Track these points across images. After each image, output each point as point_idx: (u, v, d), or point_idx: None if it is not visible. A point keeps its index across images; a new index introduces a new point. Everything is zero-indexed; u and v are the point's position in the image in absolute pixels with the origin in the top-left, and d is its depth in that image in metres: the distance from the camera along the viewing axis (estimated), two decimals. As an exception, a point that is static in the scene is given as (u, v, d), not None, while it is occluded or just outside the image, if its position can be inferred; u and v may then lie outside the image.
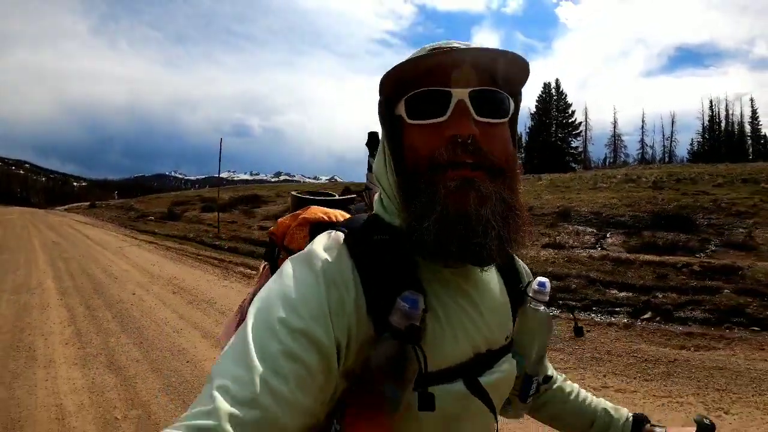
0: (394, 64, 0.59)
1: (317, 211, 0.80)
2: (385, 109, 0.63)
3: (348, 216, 0.80)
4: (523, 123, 50.19)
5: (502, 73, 0.60)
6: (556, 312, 5.71)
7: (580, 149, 51.23)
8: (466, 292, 0.62)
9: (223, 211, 21.61)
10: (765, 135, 52.67)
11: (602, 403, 0.87)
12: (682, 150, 57.01)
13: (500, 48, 0.57)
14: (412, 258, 0.58)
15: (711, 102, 54.63)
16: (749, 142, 52.97)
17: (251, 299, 0.77)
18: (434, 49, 0.61)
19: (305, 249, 0.58)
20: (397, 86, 0.60)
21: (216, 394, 0.43)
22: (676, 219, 10.95)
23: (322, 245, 0.57)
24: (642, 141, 58.58)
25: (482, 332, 0.62)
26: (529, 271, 0.79)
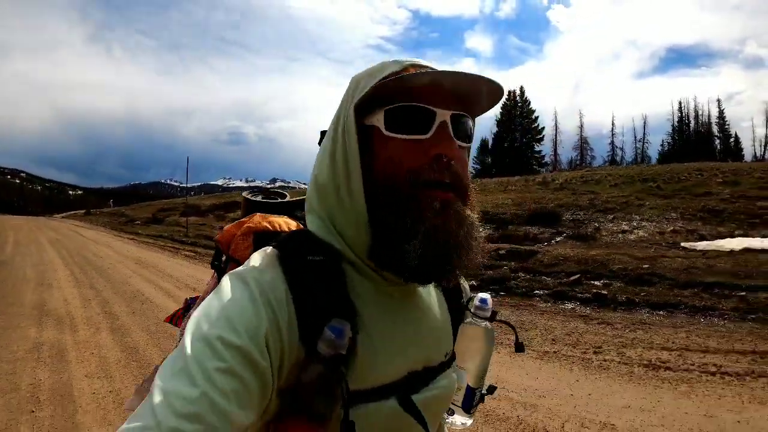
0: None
1: (261, 220, 0.81)
2: (355, 118, 0.60)
3: (292, 223, 0.83)
4: (488, 129, 53.74)
5: (476, 99, 0.61)
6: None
7: (543, 153, 54.89)
8: (404, 309, 0.62)
9: (200, 216, 25.75)
10: (735, 134, 54.83)
11: None
12: (655, 151, 58.72)
13: (479, 74, 0.57)
14: (345, 279, 0.57)
15: (680, 103, 56.93)
16: (717, 142, 54.73)
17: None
18: (411, 65, 0.60)
19: (243, 265, 0.58)
20: (372, 96, 0.58)
21: (158, 409, 0.43)
22: (547, 215, 13.64)
23: (257, 264, 0.57)
24: (612, 143, 60.62)
25: (419, 349, 0.62)
26: (467, 287, 0.79)
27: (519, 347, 0.78)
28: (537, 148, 53.79)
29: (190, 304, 1.03)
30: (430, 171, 0.56)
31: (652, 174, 18.47)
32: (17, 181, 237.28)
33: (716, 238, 10.26)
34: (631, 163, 48.58)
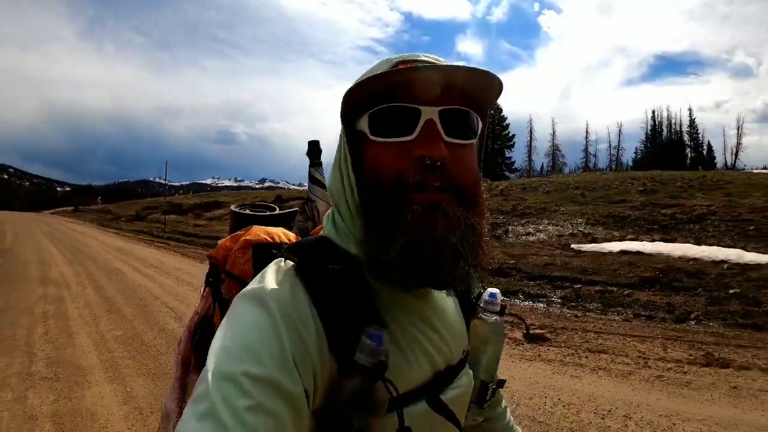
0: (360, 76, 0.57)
1: (259, 232, 0.77)
2: (346, 124, 0.59)
3: (290, 234, 0.79)
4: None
5: (473, 91, 0.57)
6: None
7: (513, 159, 57.30)
8: (423, 314, 0.61)
9: (180, 214, 28.31)
10: (708, 143, 56.70)
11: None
12: (629, 159, 60.70)
13: (472, 65, 0.53)
14: (368, 285, 0.55)
15: (653, 112, 59.16)
16: (687, 150, 56.78)
17: (197, 319, 0.84)
18: (401, 62, 0.58)
19: (255, 284, 0.54)
20: (359, 100, 0.56)
21: None
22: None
23: (273, 280, 0.54)
24: (585, 150, 63.84)
25: (441, 351, 0.61)
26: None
27: (530, 337, 1.26)
28: (508, 155, 56.58)
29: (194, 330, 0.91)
30: (414, 174, 0.52)
31: (585, 182, 19.87)
32: (5, 176, 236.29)
33: (606, 241, 11.29)
34: (604, 170, 50.23)
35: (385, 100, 0.55)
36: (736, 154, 53.47)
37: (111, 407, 3.39)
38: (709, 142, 58.26)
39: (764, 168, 39.75)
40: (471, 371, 0.69)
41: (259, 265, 0.65)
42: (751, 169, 36.41)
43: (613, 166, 58.48)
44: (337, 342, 0.51)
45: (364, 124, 0.57)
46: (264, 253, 0.72)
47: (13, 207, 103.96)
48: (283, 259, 0.58)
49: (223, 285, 0.79)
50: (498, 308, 0.71)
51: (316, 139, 1.08)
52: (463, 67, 0.54)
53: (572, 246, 11.20)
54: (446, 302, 0.66)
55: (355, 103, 0.57)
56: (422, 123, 0.54)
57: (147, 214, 32.13)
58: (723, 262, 8.69)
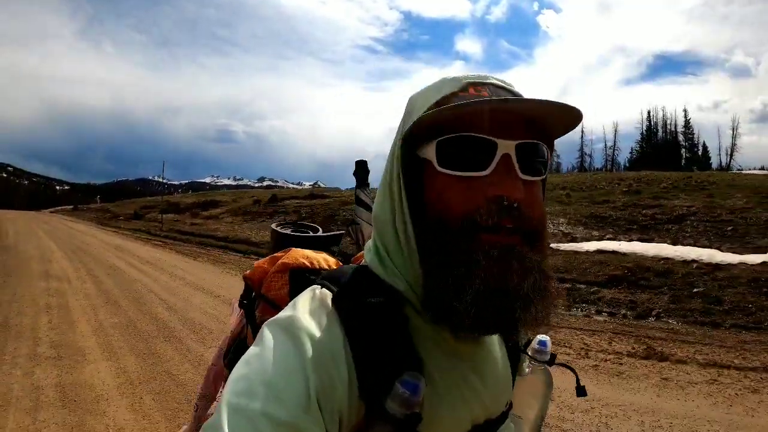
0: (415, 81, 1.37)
1: (298, 256, 0.74)
2: (406, 149, 0.53)
3: (331, 260, 0.75)
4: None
5: (550, 123, 0.53)
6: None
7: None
8: (468, 356, 0.56)
9: (178, 213, 28.91)
10: (703, 143, 56.80)
11: None
12: (624, 159, 60.54)
13: (556, 99, 0.48)
14: (407, 323, 0.51)
15: (649, 112, 59.37)
16: (682, 150, 56.88)
17: (230, 342, 0.82)
18: (471, 84, 0.53)
19: (288, 311, 0.51)
20: (426, 124, 0.51)
21: None
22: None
23: (307, 310, 0.50)
24: (581, 149, 62.40)
25: (483, 402, 0.56)
26: None
27: (580, 391, 0.69)
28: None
29: (229, 350, 0.87)
30: (488, 216, 0.48)
31: (573, 182, 19.93)
32: (4, 175, 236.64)
33: (585, 241, 11.43)
34: (600, 170, 50.20)
35: (454, 127, 0.50)
36: (731, 155, 53.63)
37: (106, 379, 3.95)
38: (704, 142, 58.64)
39: (762, 169, 39.05)
40: (512, 425, 0.64)
41: (296, 291, 0.63)
42: (748, 169, 35.88)
43: (609, 166, 58.52)
44: (368, 385, 0.46)
45: (429, 152, 0.51)
46: (302, 279, 0.69)
47: (12, 206, 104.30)
48: (319, 286, 0.54)
49: (257, 308, 0.75)
50: (548, 357, 0.67)
51: (364, 159, 1.05)
52: (555, 103, 0.48)
53: (551, 245, 11.62)
54: (494, 349, 0.61)
55: (419, 127, 0.52)
56: (498, 158, 0.49)
57: (145, 213, 32.78)
58: (693, 261, 8.89)
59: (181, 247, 16.15)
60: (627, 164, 57.74)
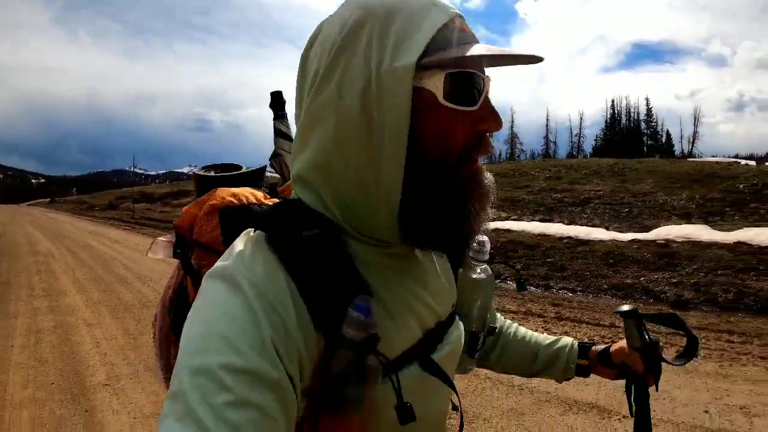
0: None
1: (224, 194, 0.71)
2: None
3: (258, 194, 0.73)
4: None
5: (510, 60, 0.53)
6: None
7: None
8: (409, 267, 0.57)
9: (150, 203, 31.19)
10: (667, 131, 58.62)
11: (542, 336, 0.88)
12: (589, 146, 62.28)
13: (535, 54, 0.49)
14: (346, 249, 0.52)
15: (613, 101, 61.23)
16: (645, 138, 58.70)
17: (171, 293, 0.81)
18: (458, 16, 0.52)
19: (224, 260, 0.50)
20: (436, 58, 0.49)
21: None
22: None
23: (244, 255, 0.49)
24: (546, 137, 65.14)
25: (430, 307, 0.58)
26: None
27: (520, 286, 0.77)
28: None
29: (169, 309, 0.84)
30: (476, 150, 0.51)
31: (508, 170, 19.99)
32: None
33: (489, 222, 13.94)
34: (566, 157, 50.39)
35: (456, 61, 0.49)
36: (693, 142, 55.34)
37: (78, 302, 6.58)
38: (668, 130, 60.73)
39: (735, 157, 38.53)
40: (461, 323, 0.66)
41: (228, 231, 0.63)
42: (707, 156, 35.51)
43: (574, 153, 59.61)
44: (322, 316, 0.46)
45: (431, 84, 0.48)
46: (232, 217, 0.67)
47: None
48: (252, 229, 0.53)
49: (192, 255, 0.70)
50: (486, 257, 0.70)
51: (279, 89, 1.01)
52: (537, 59, 0.50)
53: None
54: (427, 256, 0.62)
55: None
56: (484, 93, 0.51)
57: (119, 203, 34.87)
58: (568, 238, 9.27)
59: (147, 230, 18.52)
60: (591, 151, 59.34)
